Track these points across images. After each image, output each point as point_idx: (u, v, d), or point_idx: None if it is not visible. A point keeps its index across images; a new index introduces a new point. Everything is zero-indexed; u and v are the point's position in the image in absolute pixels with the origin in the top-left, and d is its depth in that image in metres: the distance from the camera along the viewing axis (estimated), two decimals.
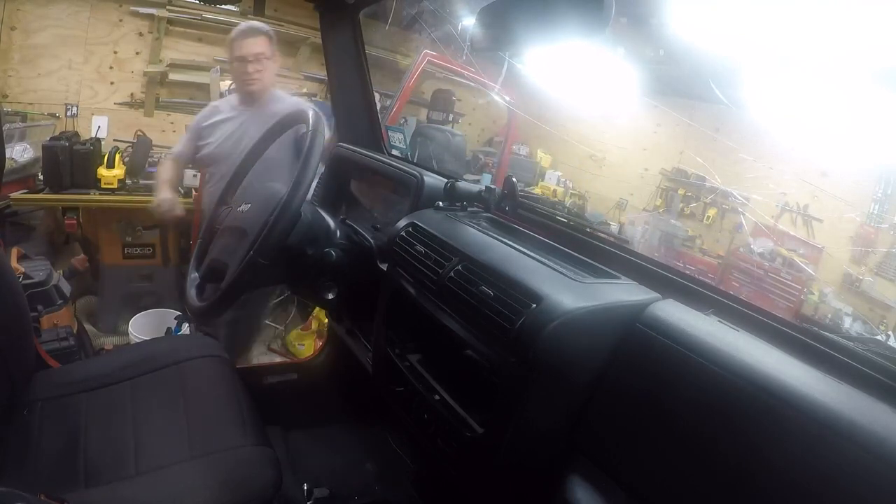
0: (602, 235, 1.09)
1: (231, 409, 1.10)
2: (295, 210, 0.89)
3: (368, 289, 1.01)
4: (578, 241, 1.03)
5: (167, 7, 3.16)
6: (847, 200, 3.58)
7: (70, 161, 2.38)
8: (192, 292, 1.01)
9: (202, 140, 1.88)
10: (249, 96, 1.84)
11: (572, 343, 0.67)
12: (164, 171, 1.95)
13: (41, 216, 2.88)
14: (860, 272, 3.61)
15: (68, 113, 3.15)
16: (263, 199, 0.99)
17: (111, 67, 3.23)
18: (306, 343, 2.48)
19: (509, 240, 0.89)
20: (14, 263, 1.91)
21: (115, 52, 3.23)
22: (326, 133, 1.09)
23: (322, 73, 3.60)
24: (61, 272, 2.16)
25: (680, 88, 4.01)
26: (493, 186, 1.17)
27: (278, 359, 2.44)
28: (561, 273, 0.77)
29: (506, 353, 0.70)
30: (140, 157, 2.66)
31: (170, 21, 3.20)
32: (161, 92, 3.33)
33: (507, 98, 3.97)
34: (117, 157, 2.48)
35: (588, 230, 1.11)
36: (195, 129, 1.91)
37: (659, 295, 0.77)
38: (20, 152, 2.44)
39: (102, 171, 2.44)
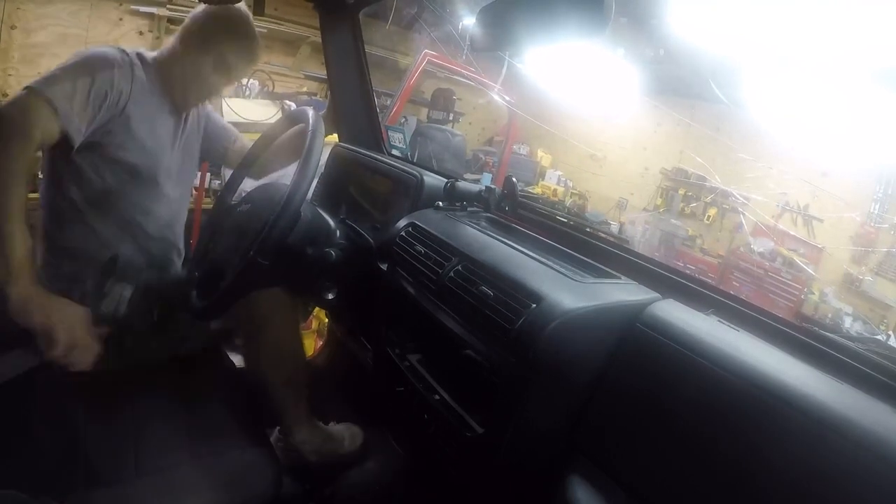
0: (602, 235, 1.09)
1: (231, 409, 1.10)
2: (295, 210, 0.89)
3: (368, 289, 1.01)
4: (578, 241, 1.03)
5: (167, 6, 3.16)
6: (847, 200, 3.58)
7: None
8: (192, 292, 1.01)
9: (124, 128, 1.12)
10: (184, 102, 1.25)
11: (572, 343, 0.67)
12: (21, 182, 0.95)
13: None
14: (860, 272, 3.61)
15: None
16: (263, 200, 0.99)
17: None
18: (306, 342, 2.47)
19: (509, 240, 0.89)
20: None
21: None
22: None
23: (322, 72, 3.60)
24: None
25: (680, 88, 4.01)
26: (492, 186, 1.17)
27: None
28: (561, 273, 0.77)
29: (506, 353, 0.70)
30: None
31: (170, 20, 3.19)
32: None
33: (508, 98, 3.97)
34: None
35: (588, 230, 1.11)
36: (112, 102, 1.09)
37: (659, 295, 0.77)
38: None
39: None
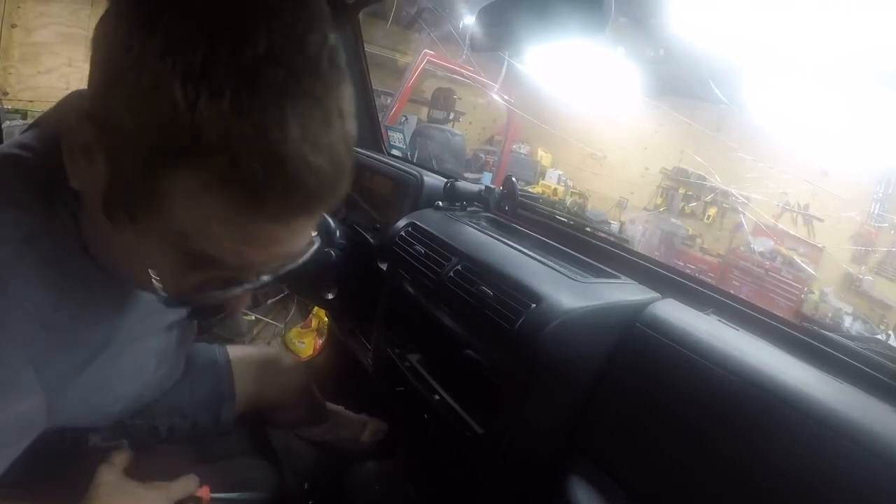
0: (602, 235, 1.09)
1: None
2: None
3: (368, 289, 1.01)
4: (578, 241, 1.03)
5: None
6: (847, 200, 3.58)
7: None
8: None
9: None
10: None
11: (572, 343, 0.67)
12: None
13: None
14: (860, 271, 3.61)
15: None
16: None
17: None
18: (306, 341, 2.47)
19: (509, 239, 0.89)
20: None
21: None
22: None
23: None
24: None
25: (680, 88, 4.01)
26: (492, 186, 1.17)
27: None
28: (561, 273, 0.77)
29: (506, 353, 0.70)
30: None
31: None
32: None
33: (507, 97, 3.97)
34: None
35: (588, 229, 1.11)
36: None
37: (658, 294, 0.77)
38: None
39: None
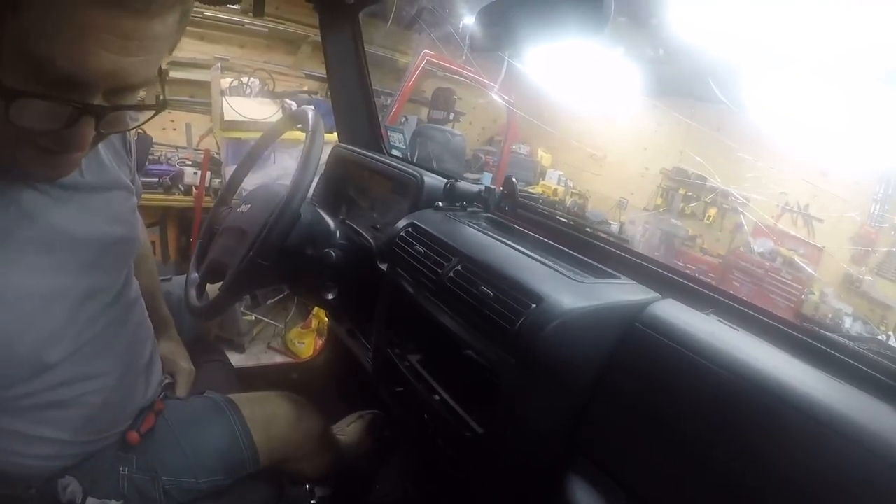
0: (602, 235, 1.09)
1: None
2: (294, 210, 0.89)
3: (368, 289, 1.01)
4: (578, 241, 1.03)
5: None
6: (847, 200, 3.57)
7: None
8: (191, 293, 1.01)
9: None
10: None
11: (572, 343, 0.67)
12: None
13: None
14: (861, 272, 3.61)
15: None
16: (263, 200, 0.99)
17: None
18: (306, 341, 2.48)
19: (509, 240, 0.89)
20: None
21: None
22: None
23: (323, 71, 3.60)
24: None
25: (680, 88, 4.00)
26: (492, 186, 1.18)
27: (278, 358, 2.44)
28: (561, 273, 0.77)
29: (506, 353, 0.70)
30: (140, 155, 2.67)
31: None
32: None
33: (507, 97, 3.97)
34: None
35: (588, 230, 1.11)
36: None
37: (658, 294, 0.77)
38: None
39: None
